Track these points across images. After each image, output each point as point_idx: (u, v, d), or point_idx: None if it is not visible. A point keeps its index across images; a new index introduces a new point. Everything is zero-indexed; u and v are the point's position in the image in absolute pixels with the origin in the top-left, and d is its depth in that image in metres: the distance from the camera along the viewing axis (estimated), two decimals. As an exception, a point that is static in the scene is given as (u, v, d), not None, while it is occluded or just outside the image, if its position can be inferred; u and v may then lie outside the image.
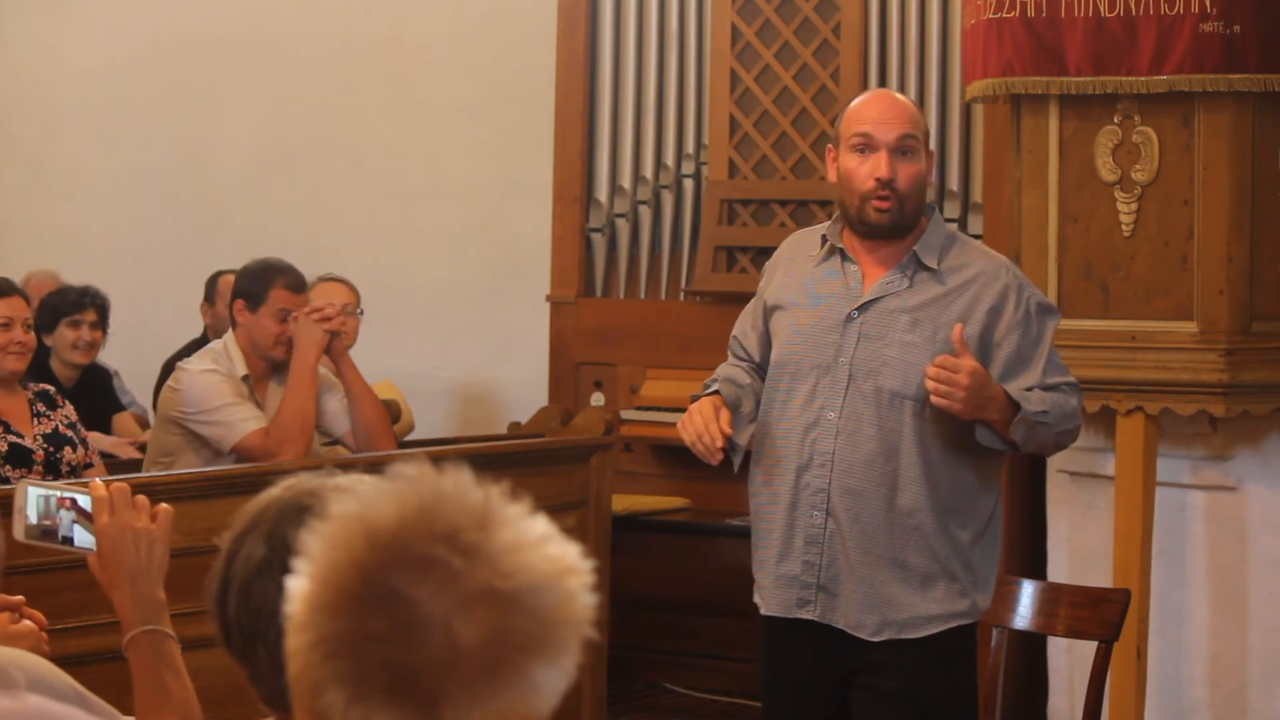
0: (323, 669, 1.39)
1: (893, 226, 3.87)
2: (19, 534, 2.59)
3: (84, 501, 2.58)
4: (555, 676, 1.41)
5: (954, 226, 4.05)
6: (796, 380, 3.91)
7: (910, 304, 3.86)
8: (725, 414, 3.87)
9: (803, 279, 3.98)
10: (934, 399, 3.70)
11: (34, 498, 2.57)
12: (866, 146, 3.87)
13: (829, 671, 3.91)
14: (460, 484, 1.43)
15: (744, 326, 4.10)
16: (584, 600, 1.43)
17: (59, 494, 2.58)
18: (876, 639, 3.85)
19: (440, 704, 1.38)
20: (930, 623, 3.86)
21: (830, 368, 3.87)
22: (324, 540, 1.42)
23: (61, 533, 2.57)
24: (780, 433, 3.92)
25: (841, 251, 3.94)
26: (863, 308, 3.88)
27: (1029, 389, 3.81)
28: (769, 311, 4.03)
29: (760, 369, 4.03)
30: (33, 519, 2.58)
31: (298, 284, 5.56)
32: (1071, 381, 3.89)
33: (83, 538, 2.57)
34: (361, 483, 1.71)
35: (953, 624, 3.87)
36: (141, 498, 2.56)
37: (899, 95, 4.03)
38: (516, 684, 1.39)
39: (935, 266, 3.87)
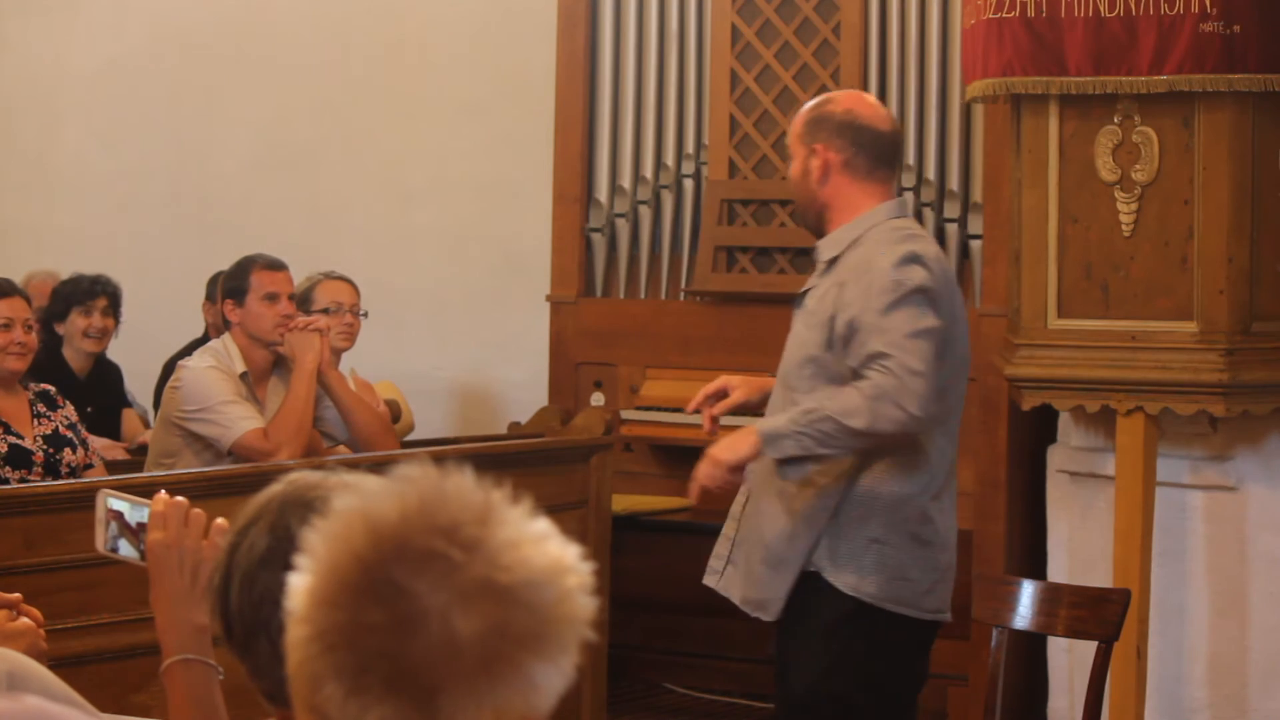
0: (321, 661, 1.39)
1: (801, 224, 4.27)
2: (98, 546, 2.56)
3: (129, 514, 2.55)
4: (554, 675, 1.41)
5: (900, 223, 4.11)
6: None
7: (809, 296, 4.13)
8: (735, 398, 4.21)
9: None
10: (713, 486, 4.02)
11: (103, 509, 2.55)
12: None
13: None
14: (462, 482, 1.44)
15: None
16: (583, 600, 1.43)
17: (112, 505, 2.55)
18: (751, 613, 4.19)
19: (438, 697, 1.38)
20: (781, 604, 4.09)
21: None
22: (325, 535, 1.43)
23: (108, 545, 2.56)
24: None
25: None
26: (798, 302, 4.18)
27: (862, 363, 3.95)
28: None
29: None
30: (101, 531, 2.55)
31: (272, 263, 5.62)
32: (881, 354, 3.91)
33: (127, 550, 2.55)
34: (365, 480, 1.72)
35: (793, 598, 4.07)
36: (197, 513, 2.47)
37: (811, 101, 4.26)
38: (514, 679, 1.40)
39: (828, 259, 4.09)
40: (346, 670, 1.39)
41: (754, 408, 4.28)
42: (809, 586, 4.06)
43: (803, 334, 4.07)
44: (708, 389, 4.26)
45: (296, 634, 1.42)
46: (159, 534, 2.45)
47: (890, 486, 4.04)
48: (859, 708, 4.09)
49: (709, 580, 4.25)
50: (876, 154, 4.07)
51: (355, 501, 1.43)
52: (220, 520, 2.50)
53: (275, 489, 2.05)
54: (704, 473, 4.00)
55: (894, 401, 3.87)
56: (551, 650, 1.41)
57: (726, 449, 3.97)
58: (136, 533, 2.52)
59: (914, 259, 3.94)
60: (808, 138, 4.10)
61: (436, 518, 1.41)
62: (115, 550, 2.54)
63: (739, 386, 4.22)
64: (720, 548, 4.22)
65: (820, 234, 4.15)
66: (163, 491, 2.51)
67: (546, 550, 1.43)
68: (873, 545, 4.03)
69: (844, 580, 4.03)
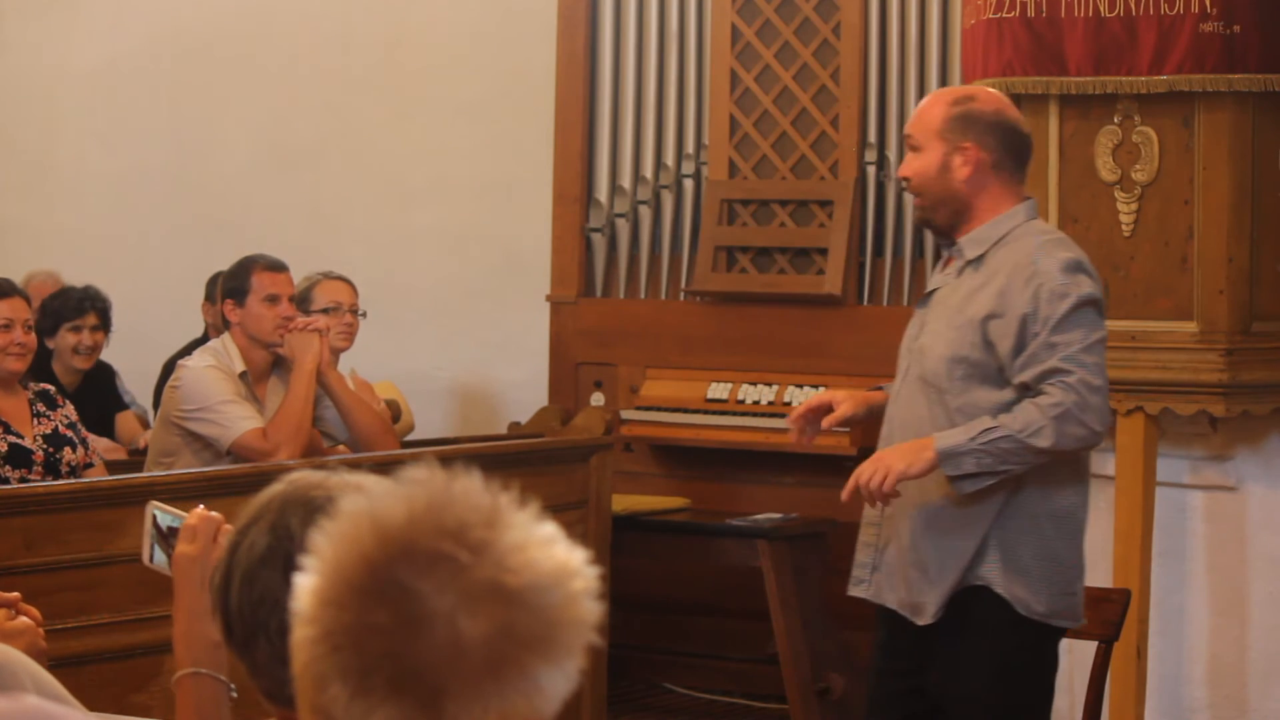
0: (326, 662, 1.39)
1: (922, 220, 4.16)
2: (143, 559, 2.56)
3: (161, 519, 2.54)
4: (558, 678, 1.42)
5: (1041, 224, 4.16)
6: (896, 374, 4.18)
7: (949, 295, 4.06)
8: (841, 412, 4.14)
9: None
10: (873, 488, 3.92)
11: (149, 519, 2.55)
12: None
13: (905, 653, 4.09)
14: (470, 485, 1.44)
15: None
16: (588, 603, 1.43)
17: (154, 513, 2.55)
18: (902, 615, 4.05)
19: (443, 699, 1.38)
20: (935, 608, 3.98)
21: (906, 357, 4.12)
22: (332, 536, 1.43)
23: (145, 553, 2.56)
24: None
25: (944, 248, 4.21)
26: (925, 298, 4.14)
27: (1025, 380, 3.90)
28: None
29: None
30: (147, 544, 2.55)
31: (274, 264, 5.63)
32: (1060, 370, 3.87)
33: (159, 559, 2.54)
34: (371, 481, 1.71)
35: (950, 605, 3.97)
36: (229, 529, 2.42)
37: (932, 94, 4.26)
38: (520, 682, 1.40)
39: (974, 256, 4.03)
40: (352, 671, 1.39)
41: (859, 422, 4.25)
42: (973, 595, 3.98)
43: (946, 333, 3.99)
44: (810, 404, 4.19)
45: (302, 634, 1.42)
46: (187, 547, 2.44)
47: (1060, 499, 4.00)
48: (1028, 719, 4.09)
49: (858, 590, 4.14)
50: (1020, 156, 4.08)
51: (362, 503, 1.43)
52: None
53: (276, 488, 2.05)
54: (872, 478, 3.91)
55: (1077, 419, 3.85)
56: (557, 653, 1.41)
57: (902, 458, 3.90)
58: (167, 538, 2.52)
59: (1079, 267, 3.95)
60: (954, 135, 4.04)
61: (444, 519, 1.41)
62: (152, 559, 2.54)
63: (844, 401, 4.16)
64: (863, 555, 4.13)
65: (949, 230, 4.09)
66: (201, 506, 2.50)
67: (553, 554, 1.43)
68: (1042, 559, 3.98)
69: (1014, 594, 3.96)
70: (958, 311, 3.98)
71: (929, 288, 4.17)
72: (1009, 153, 4.05)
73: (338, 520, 1.43)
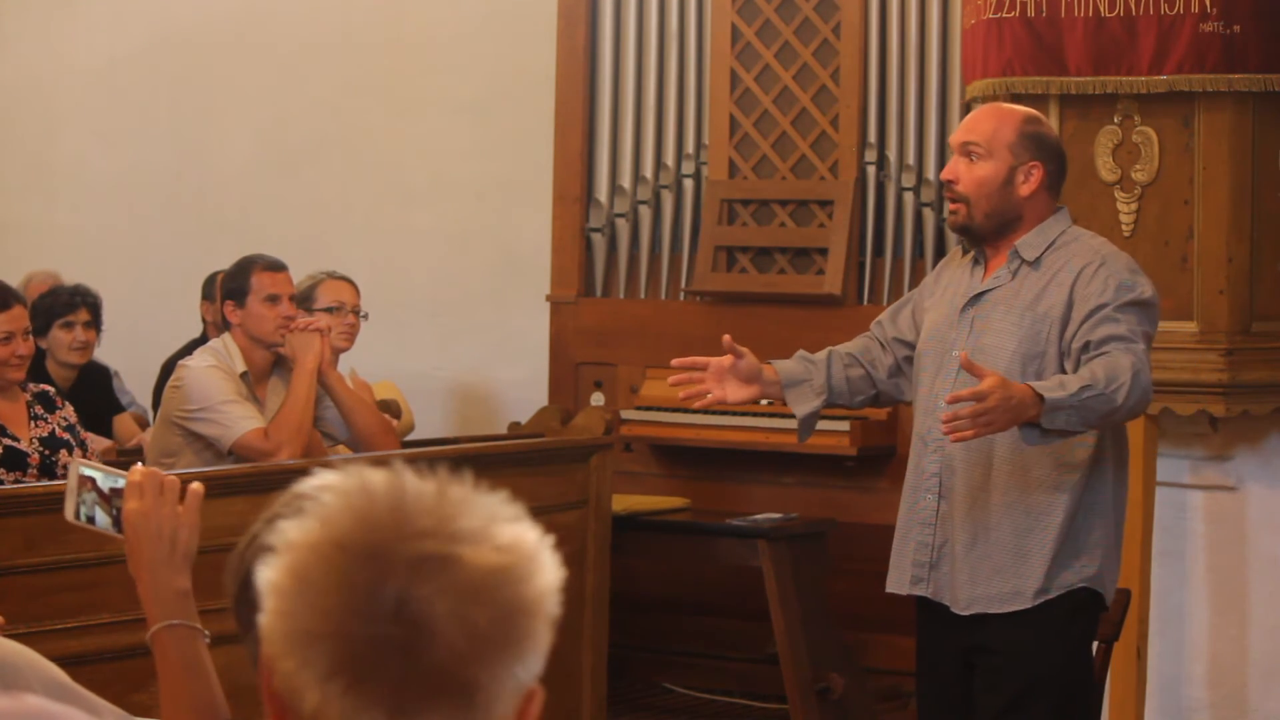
0: (349, 699, 1.39)
1: (962, 228, 4.23)
2: (67, 515, 2.56)
3: (104, 482, 2.55)
4: (544, 638, 1.44)
5: (1081, 229, 4.31)
6: (924, 373, 4.26)
7: (1009, 294, 4.17)
8: (750, 360, 4.40)
9: (944, 282, 4.35)
10: (968, 433, 3.81)
11: (75, 478, 2.55)
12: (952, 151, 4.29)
13: (952, 648, 4.18)
14: (414, 481, 1.44)
15: (890, 310, 4.49)
16: (549, 575, 1.44)
17: (84, 472, 2.55)
18: (967, 613, 4.10)
19: (474, 690, 1.39)
20: (1025, 597, 4.07)
21: (946, 358, 4.20)
22: (299, 576, 1.41)
23: (85, 512, 2.56)
24: (914, 423, 4.30)
25: (975, 254, 4.29)
26: (974, 300, 4.21)
27: (1085, 343, 4.02)
28: (922, 311, 4.38)
29: (884, 345, 4.41)
30: (71, 501, 2.56)
31: (273, 264, 5.62)
32: (1125, 337, 3.98)
33: (103, 520, 2.55)
34: (320, 504, 1.64)
35: (1051, 596, 4.07)
36: (171, 480, 2.47)
37: (994, 106, 4.40)
38: (532, 649, 1.42)
39: (1032, 259, 4.16)
40: (380, 697, 1.39)
41: (755, 381, 4.41)
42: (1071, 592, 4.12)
43: (1015, 330, 4.13)
44: (708, 361, 4.37)
45: (313, 693, 1.41)
46: (135, 503, 2.45)
47: (1121, 489, 4.20)
48: (1090, 692, 4.23)
49: (916, 589, 4.20)
50: (1064, 172, 4.30)
51: (318, 532, 1.42)
52: (196, 485, 2.51)
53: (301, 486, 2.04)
54: (986, 413, 3.78)
55: (1144, 385, 3.92)
56: (543, 621, 1.43)
57: (1019, 405, 3.79)
58: (110, 500, 2.52)
59: (1139, 271, 4.16)
60: (1025, 153, 4.20)
61: (415, 523, 1.41)
62: (91, 520, 2.54)
63: (747, 354, 4.34)
64: (920, 555, 4.19)
65: (994, 237, 4.20)
66: (139, 464, 2.51)
67: (514, 528, 1.45)
68: (1105, 541, 4.15)
69: (1106, 586, 4.14)
70: (1027, 309, 4.13)
71: (973, 290, 4.22)
72: (1060, 171, 4.26)
73: (296, 554, 1.41)
